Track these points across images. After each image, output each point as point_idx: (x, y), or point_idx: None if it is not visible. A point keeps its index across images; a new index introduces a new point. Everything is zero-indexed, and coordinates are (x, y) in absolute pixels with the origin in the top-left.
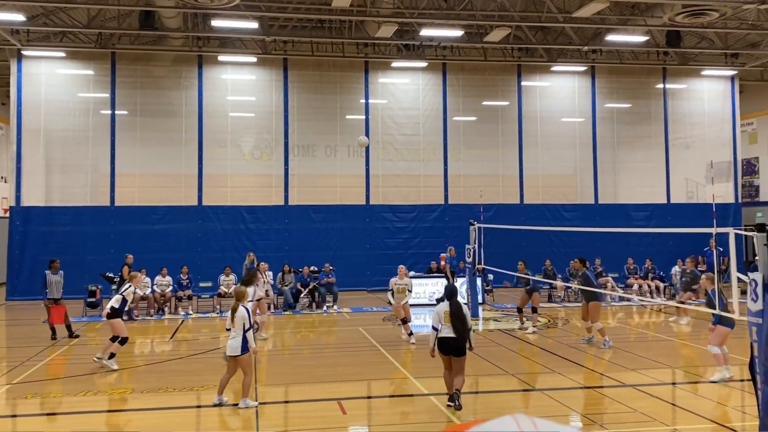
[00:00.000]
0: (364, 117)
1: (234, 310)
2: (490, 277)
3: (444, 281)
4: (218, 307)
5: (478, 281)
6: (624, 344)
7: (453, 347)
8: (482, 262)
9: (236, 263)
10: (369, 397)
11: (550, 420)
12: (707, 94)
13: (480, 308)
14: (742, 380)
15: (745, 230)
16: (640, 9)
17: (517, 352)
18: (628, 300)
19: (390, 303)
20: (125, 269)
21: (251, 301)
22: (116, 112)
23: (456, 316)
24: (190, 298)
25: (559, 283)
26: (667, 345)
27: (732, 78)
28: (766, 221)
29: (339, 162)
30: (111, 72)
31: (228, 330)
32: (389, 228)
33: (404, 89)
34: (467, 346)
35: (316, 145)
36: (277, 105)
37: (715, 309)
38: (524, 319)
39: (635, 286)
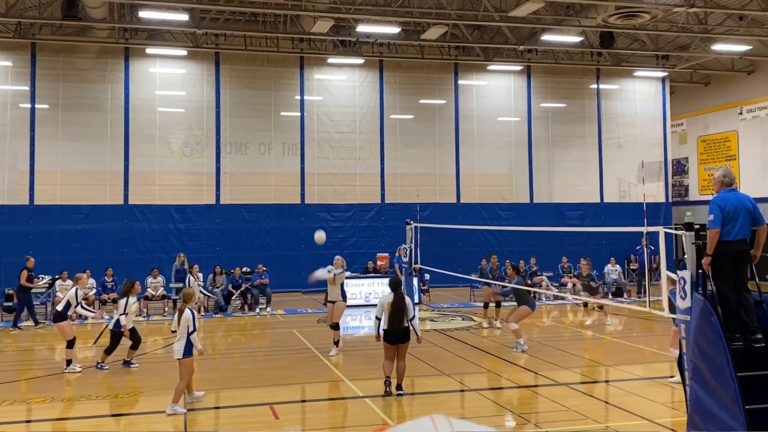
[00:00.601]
0: (299, 114)
1: (180, 312)
2: (427, 276)
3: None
4: (144, 310)
5: (415, 281)
6: (558, 343)
7: (398, 336)
8: (419, 262)
9: (165, 265)
10: (303, 401)
11: (475, 420)
12: (639, 94)
13: (416, 309)
14: (672, 376)
15: (675, 229)
16: (575, 10)
17: (453, 352)
18: (563, 299)
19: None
20: (24, 273)
21: (123, 314)
22: (36, 105)
23: (396, 308)
24: (114, 301)
25: (494, 283)
26: (601, 343)
27: (663, 79)
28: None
29: (273, 160)
30: (31, 64)
31: (174, 332)
32: (325, 228)
33: (341, 86)
34: (415, 336)
35: (250, 143)
36: (209, 100)
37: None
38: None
39: (569, 285)
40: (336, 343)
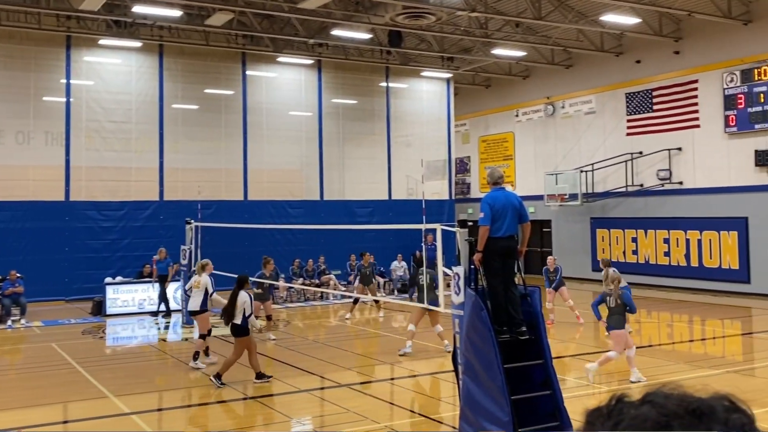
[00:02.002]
0: (65, 99)
1: None
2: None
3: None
4: None
5: None
6: (343, 342)
7: (232, 330)
8: None
9: None
10: (65, 422)
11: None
12: (426, 94)
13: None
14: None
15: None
16: (365, 6)
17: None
18: (350, 297)
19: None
20: None
21: None
22: None
23: (228, 304)
24: None
25: (281, 283)
26: (385, 340)
27: (448, 80)
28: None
29: (33, 151)
30: None
31: None
32: (93, 228)
33: (114, 71)
34: (241, 330)
35: (5, 131)
36: None
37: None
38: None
39: (356, 283)
40: (206, 353)
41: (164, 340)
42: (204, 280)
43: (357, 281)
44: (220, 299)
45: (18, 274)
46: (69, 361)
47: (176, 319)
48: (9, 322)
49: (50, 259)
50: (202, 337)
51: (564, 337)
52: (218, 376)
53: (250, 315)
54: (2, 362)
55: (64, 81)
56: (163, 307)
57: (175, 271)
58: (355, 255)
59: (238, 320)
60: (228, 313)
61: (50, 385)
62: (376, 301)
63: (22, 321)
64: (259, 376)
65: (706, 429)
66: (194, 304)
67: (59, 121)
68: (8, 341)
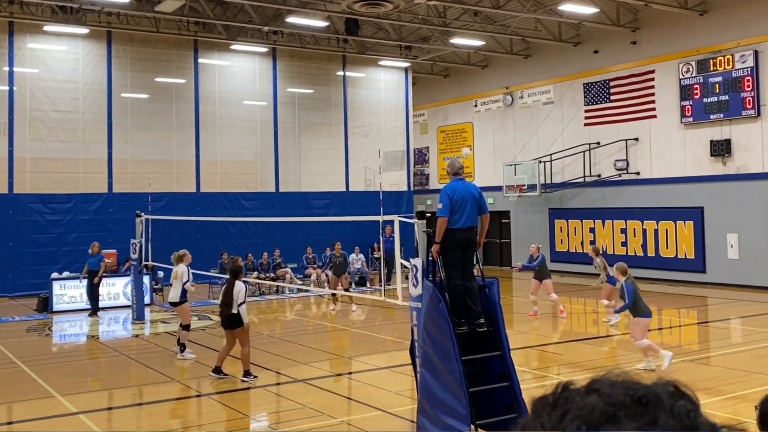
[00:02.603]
0: (7, 88)
1: None
2: (161, 274)
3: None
4: None
5: (146, 280)
6: (300, 337)
7: (223, 321)
8: (150, 259)
9: None
10: (9, 423)
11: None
12: (384, 83)
13: (147, 310)
14: (409, 364)
15: (412, 218)
16: None
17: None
18: (306, 291)
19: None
20: None
21: None
22: None
23: (222, 293)
24: None
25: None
26: (344, 334)
27: (406, 70)
28: (435, 209)
29: None
30: None
31: None
32: (39, 222)
33: (60, 58)
34: (240, 321)
35: None
36: None
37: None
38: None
39: (313, 276)
40: (181, 348)
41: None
42: (181, 270)
43: (329, 272)
44: (192, 289)
45: None
46: (13, 359)
47: (126, 315)
48: None
49: None
50: (186, 327)
51: (544, 330)
52: (246, 373)
53: (242, 303)
54: None
55: (6, 69)
56: (95, 305)
57: (127, 266)
58: (312, 247)
59: (234, 310)
60: (226, 303)
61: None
62: (347, 291)
63: None
64: (247, 374)
65: (651, 418)
66: (174, 295)
67: (2, 111)
68: None
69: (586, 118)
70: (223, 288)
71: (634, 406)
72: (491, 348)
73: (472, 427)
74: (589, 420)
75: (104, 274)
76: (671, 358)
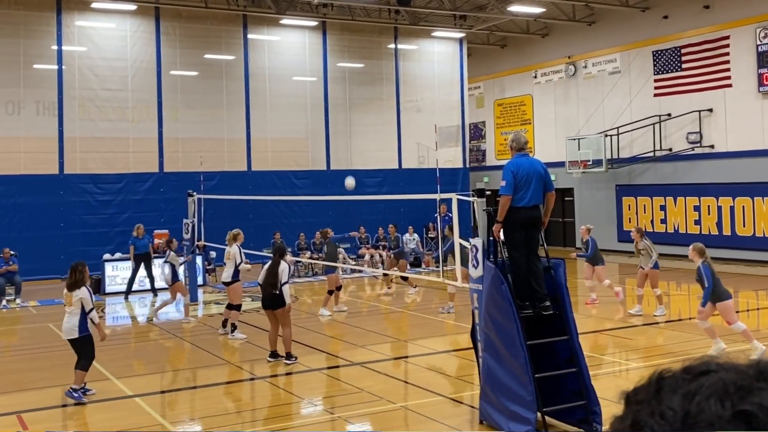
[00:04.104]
0: (56, 67)
1: None
2: (213, 254)
3: None
4: None
5: (199, 260)
6: (355, 319)
7: (265, 301)
8: (203, 239)
9: None
10: (63, 406)
11: (263, 411)
12: (437, 56)
13: (200, 291)
14: (469, 348)
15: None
16: None
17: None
18: (360, 271)
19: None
20: None
21: None
22: None
23: (267, 272)
24: None
25: (288, 257)
26: (400, 317)
27: (460, 41)
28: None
29: (24, 121)
30: None
31: None
32: (90, 202)
33: (108, 35)
34: (282, 301)
35: None
36: None
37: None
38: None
39: (367, 257)
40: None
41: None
42: (234, 250)
43: (389, 254)
44: (247, 268)
45: (12, 252)
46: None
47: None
48: (4, 302)
49: (45, 236)
50: (237, 308)
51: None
52: (288, 355)
53: (285, 283)
54: None
55: (55, 47)
56: (140, 287)
57: (174, 247)
58: (365, 227)
59: (277, 290)
60: (270, 283)
61: (48, 367)
62: (405, 278)
63: (18, 301)
64: (289, 356)
65: None
66: (226, 275)
67: (51, 90)
68: (3, 322)
69: (656, 88)
70: (267, 267)
71: (764, 379)
72: (557, 332)
73: (538, 414)
74: (725, 395)
75: (155, 254)
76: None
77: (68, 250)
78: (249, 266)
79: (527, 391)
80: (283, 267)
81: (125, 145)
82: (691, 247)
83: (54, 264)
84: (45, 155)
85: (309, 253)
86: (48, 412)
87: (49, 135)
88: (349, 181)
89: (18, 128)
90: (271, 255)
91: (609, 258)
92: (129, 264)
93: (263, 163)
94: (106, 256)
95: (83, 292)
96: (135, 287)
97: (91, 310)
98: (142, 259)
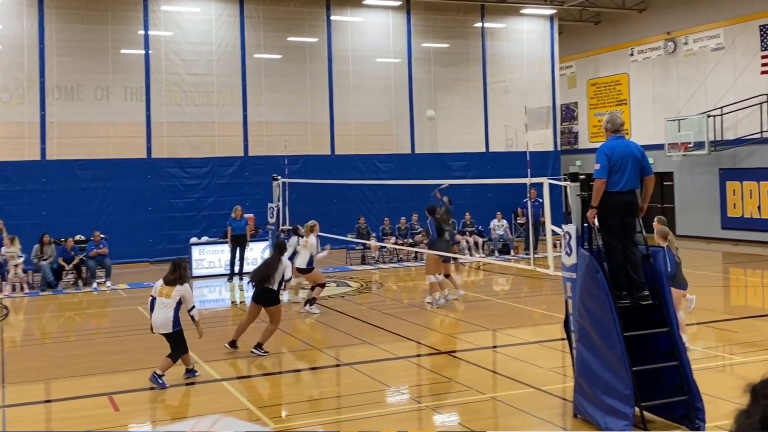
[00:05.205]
0: (143, 52)
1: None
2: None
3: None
4: None
5: None
6: (442, 307)
7: (257, 295)
8: (287, 223)
9: None
10: (151, 389)
11: (350, 397)
12: (527, 34)
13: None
14: (562, 339)
15: (562, 180)
16: None
17: (325, 323)
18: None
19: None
20: None
21: None
22: None
23: (264, 266)
24: None
25: (373, 243)
26: (486, 305)
27: (551, 18)
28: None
29: (112, 107)
30: None
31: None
32: (177, 186)
33: (193, 20)
34: (275, 298)
35: (83, 86)
36: (30, 36)
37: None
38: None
39: (461, 243)
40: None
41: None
42: (312, 241)
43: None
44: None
45: (102, 235)
46: None
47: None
48: (94, 285)
49: (133, 220)
50: (321, 285)
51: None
52: (259, 346)
53: (289, 279)
54: (89, 326)
55: (141, 32)
56: (241, 269)
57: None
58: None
59: (274, 286)
60: (264, 277)
61: (138, 349)
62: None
63: (108, 283)
64: (258, 346)
65: None
66: (302, 261)
67: (138, 75)
68: (94, 304)
69: (763, 65)
70: (264, 260)
71: None
72: (657, 324)
73: (636, 409)
74: None
75: (251, 239)
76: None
77: (156, 234)
78: (326, 252)
79: (624, 385)
80: (286, 264)
81: (210, 130)
82: (655, 225)
83: (143, 248)
84: (133, 140)
85: (394, 238)
86: (138, 394)
87: (136, 120)
88: (430, 113)
89: (107, 113)
90: (355, 240)
91: (711, 246)
92: (216, 248)
93: (347, 147)
94: (193, 239)
95: (186, 289)
96: (225, 270)
97: (193, 307)
98: (238, 241)
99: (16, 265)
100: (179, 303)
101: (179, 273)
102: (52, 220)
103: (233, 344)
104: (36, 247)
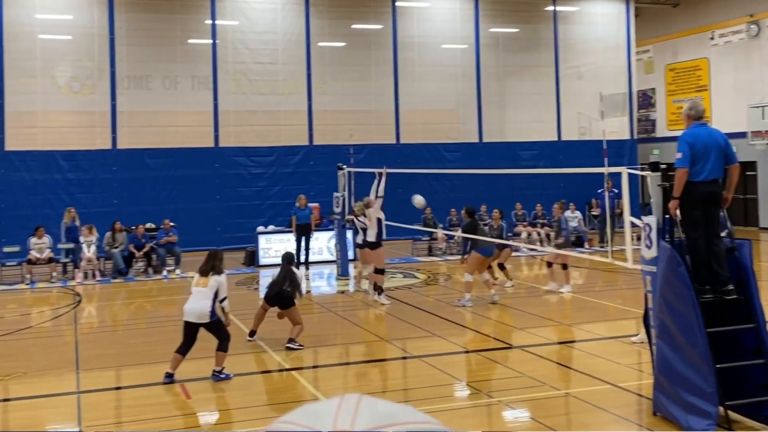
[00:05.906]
0: (210, 41)
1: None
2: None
3: None
4: (28, 276)
5: (349, 234)
6: (511, 300)
7: (275, 299)
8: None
9: (51, 222)
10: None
11: (419, 391)
12: (601, 17)
13: (351, 265)
14: (635, 335)
15: (639, 169)
16: None
17: (392, 314)
18: (516, 250)
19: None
20: None
21: None
22: None
23: (285, 280)
24: None
25: (440, 232)
26: (560, 300)
27: (627, 0)
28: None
29: (180, 96)
30: None
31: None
32: (243, 175)
33: (259, 9)
34: (291, 301)
35: (152, 76)
36: (101, 26)
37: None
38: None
39: (523, 234)
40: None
41: (344, 291)
42: (373, 213)
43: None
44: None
45: (171, 223)
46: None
47: (330, 270)
48: (164, 272)
49: (202, 208)
50: (381, 271)
51: None
52: (292, 340)
53: (299, 286)
54: (159, 313)
55: (209, 22)
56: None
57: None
58: (522, 203)
59: (293, 294)
60: (289, 287)
61: (208, 337)
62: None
63: (177, 271)
64: (251, 333)
65: None
66: (371, 234)
67: (206, 65)
68: (164, 292)
69: None
70: (281, 275)
71: None
72: (743, 320)
73: (720, 408)
74: None
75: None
76: None
77: (224, 222)
78: (383, 175)
79: (707, 383)
80: (300, 273)
81: (276, 118)
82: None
83: (211, 236)
84: (201, 129)
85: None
86: (208, 382)
87: (204, 109)
88: (419, 200)
89: (175, 102)
90: (423, 229)
91: None
92: (282, 237)
93: (412, 136)
94: (260, 228)
95: (223, 279)
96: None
97: (225, 298)
98: (303, 230)
99: (89, 253)
100: (216, 293)
101: (215, 263)
102: (122, 208)
103: (252, 334)
104: (108, 234)
